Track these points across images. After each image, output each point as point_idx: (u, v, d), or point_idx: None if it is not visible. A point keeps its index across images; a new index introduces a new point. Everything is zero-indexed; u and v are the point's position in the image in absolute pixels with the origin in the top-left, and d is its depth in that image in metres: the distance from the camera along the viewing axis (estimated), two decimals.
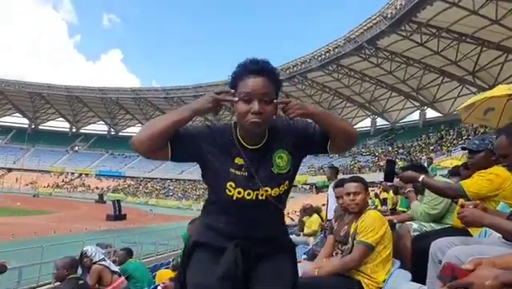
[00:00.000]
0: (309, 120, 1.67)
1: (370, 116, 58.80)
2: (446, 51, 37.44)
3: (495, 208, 2.49)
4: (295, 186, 35.56)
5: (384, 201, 9.75)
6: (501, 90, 5.45)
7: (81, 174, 71.89)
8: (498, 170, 2.72)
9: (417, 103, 51.88)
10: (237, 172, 1.62)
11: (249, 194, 1.62)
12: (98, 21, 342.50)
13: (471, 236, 2.71)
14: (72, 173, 72.43)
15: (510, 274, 1.09)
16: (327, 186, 7.55)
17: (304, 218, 8.75)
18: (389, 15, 35.64)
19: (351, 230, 3.03)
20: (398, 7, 34.48)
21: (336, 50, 44.39)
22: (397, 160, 38.27)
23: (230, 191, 1.61)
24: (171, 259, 8.30)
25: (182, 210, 46.25)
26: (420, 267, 2.64)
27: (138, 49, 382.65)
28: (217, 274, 1.56)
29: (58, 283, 5.29)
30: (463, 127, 37.07)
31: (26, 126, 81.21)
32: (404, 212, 5.32)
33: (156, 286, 4.75)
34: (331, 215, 5.61)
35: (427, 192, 3.40)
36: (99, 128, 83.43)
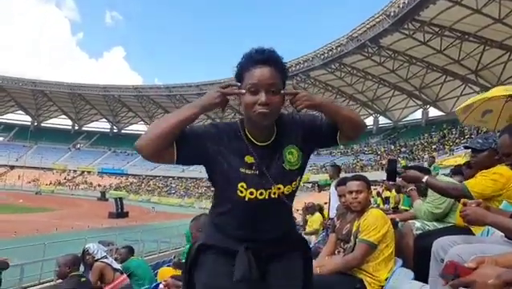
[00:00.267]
0: (315, 113, 1.63)
1: (372, 115, 58.68)
2: (449, 50, 37.32)
3: (498, 207, 2.48)
4: None
5: (386, 200, 9.76)
6: (498, 91, 5.45)
7: (83, 172, 71.99)
8: (502, 170, 2.70)
9: (420, 102, 51.76)
10: (248, 172, 1.55)
11: (261, 194, 1.56)
12: (101, 18, 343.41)
13: (473, 235, 2.70)
14: (74, 171, 72.53)
15: None
16: (329, 185, 7.57)
17: (307, 217, 8.77)
18: (392, 14, 35.53)
19: (354, 229, 3.03)
20: (401, 6, 34.39)
21: (339, 48, 44.30)
22: (400, 158, 38.26)
23: (242, 192, 1.54)
24: (172, 257, 8.32)
25: (184, 208, 46.33)
26: (422, 266, 2.64)
27: (140, 47, 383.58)
28: (234, 277, 1.53)
29: (60, 281, 5.29)
30: (465, 126, 36.95)
31: (29, 123, 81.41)
32: (406, 210, 5.33)
33: (158, 284, 4.76)
34: (333, 213, 5.61)
35: (430, 191, 3.39)
36: (102, 125, 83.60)
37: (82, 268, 4.91)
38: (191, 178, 62.96)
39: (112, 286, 4.74)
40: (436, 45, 37.30)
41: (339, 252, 3.38)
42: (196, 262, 1.67)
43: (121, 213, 32.03)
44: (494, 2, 28.75)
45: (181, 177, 65.50)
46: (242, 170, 1.55)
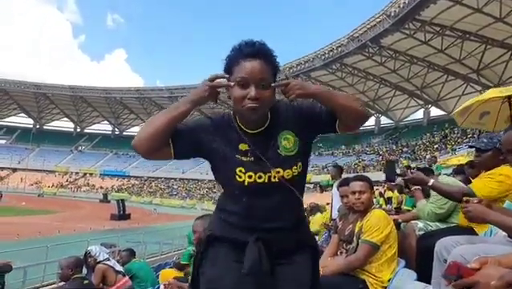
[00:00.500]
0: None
1: (374, 115, 58.59)
2: (450, 49, 37.28)
3: (501, 206, 2.47)
4: None
5: (388, 200, 9.73)
6: (493, 93, 5.46)
7: (85, 174, 72.08)
8: (507, 171, 2.68)
9: (421, 102, 51.72)
10: (244, 158, 1.54)
11: (260, 177, 1.53)
12: (102, 21, 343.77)
13: (476, 235, 2.70)
14: (77, 173, 72.67)
15: None
16: (332, 185, 7.54)
17: (310, 218, 8.75)
18: (393, 14, 35.54)
19: (356, 229, 3.03)
20: (402, 5, 34.39)
21: (340, 48, 44.30)
22: (402, 158, 38.25)
23: (241, 177, 1.53)
24: (174, 258, 8.31)
25: (186, 209, 46.30)
26: (425, 266, 2.63)
27: (142, 48, 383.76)
28: (244, 269, 1.50)
29: (62, 283, 5.30)
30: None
31: (31, 126, 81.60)
32: (408, 210, 5.31)
33: (160, 286, 4.76)
34: (335, 214, 5.60)
35: (433, 191, 3.38)
36: (104, 127, 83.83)
37: (84, 270, 4.91)
38: (193, 180, 63.03)
39: (115, 288, 4.75)
40: (437, 44, 37.26)
41: (341, 253, 3.37)
42: (205, 256, 1.64)
43: (123, 215, 31.99)
44: (495, 1, 28.72)
45: (183, 179, 65.57)
46: (238, 157, 1.54)
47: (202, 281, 1.60)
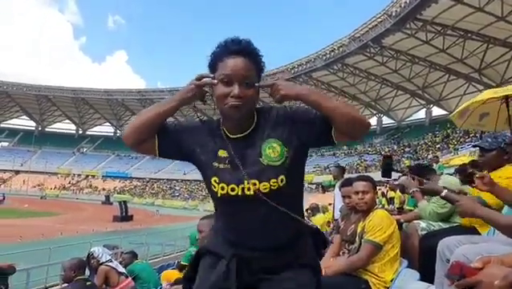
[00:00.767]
0: None
1: (376, 115, 58.58)
2: (452, 49, 37.22)
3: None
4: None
5: (390, 200, 9.74)
6: (488, 94, 5.44)
7: (88, 176, 72.21)
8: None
9: (423, 102, 51.63)
10: (221, 166, 1.47)
11: (233, 190, 1.44)
12: (103, 22, 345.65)
13: (479, 234, 2.69)
14: (79, 175, 72.78)
15: None
16: (334, 186, 7.55)
17: (311, 218, 8.76)
18: (394, 13, 35.48)
19: (359, 229, 3.03)
20: (403, 5, 34.32)
21: (341, 49, 44.24)
22: (403, 158, 38.22)
23: (215, 187, 1.46)
24: (177, 259, 8.30)
25: (188, 211, 46.27)
26: (428, 266, 2.63)
27: (143, 50, 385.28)
28: (210, 283, 1.47)
29: (65, 285, 5.31)
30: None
31: (33, 128, 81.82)
32: (411, 210, 5.31)
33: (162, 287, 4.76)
34: (337, 215, 5.60)
35: None
36: (106, 129, 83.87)
37: (87, 272, 4.91)
38: (195, 180, 62.96)
39: None
40: (438, 44, 37.19)
41: (343, 253, 3.37)
42: (193, 267, 1.63)
43: (125, 217, 32.06)
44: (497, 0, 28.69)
45: (185, 180, 65.57)
46: (215, 164, 1.49)
47: None
